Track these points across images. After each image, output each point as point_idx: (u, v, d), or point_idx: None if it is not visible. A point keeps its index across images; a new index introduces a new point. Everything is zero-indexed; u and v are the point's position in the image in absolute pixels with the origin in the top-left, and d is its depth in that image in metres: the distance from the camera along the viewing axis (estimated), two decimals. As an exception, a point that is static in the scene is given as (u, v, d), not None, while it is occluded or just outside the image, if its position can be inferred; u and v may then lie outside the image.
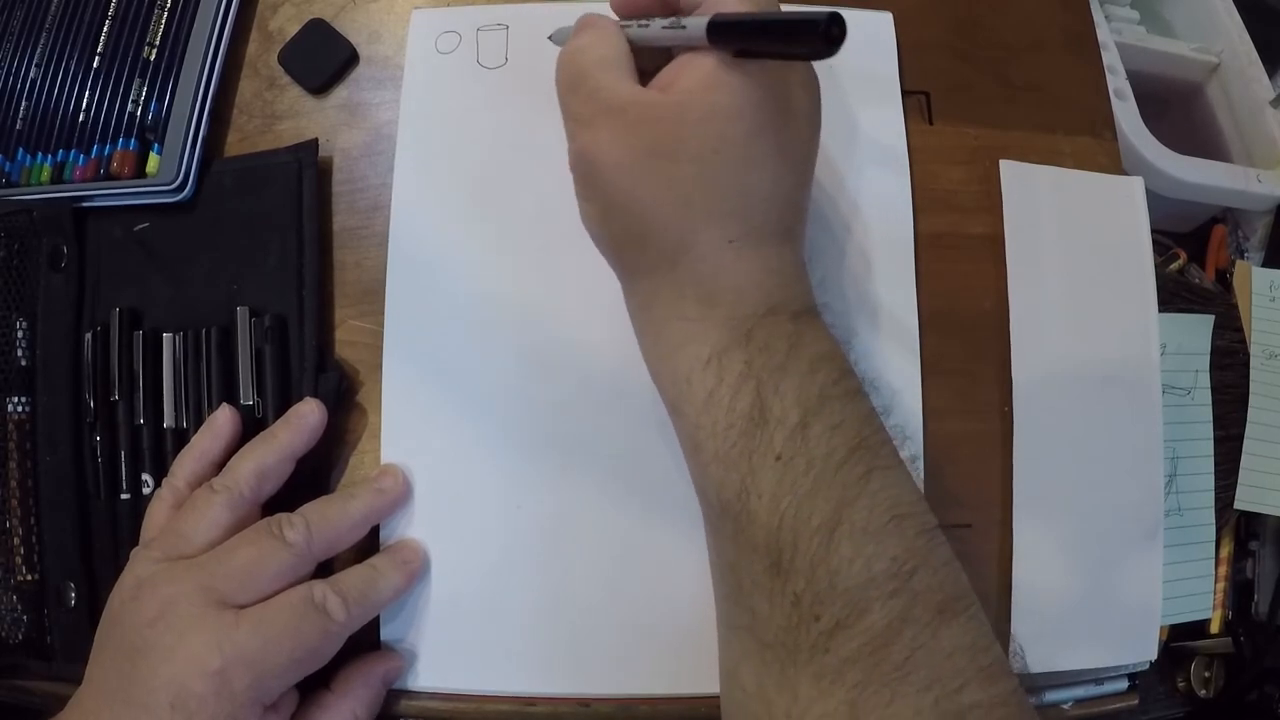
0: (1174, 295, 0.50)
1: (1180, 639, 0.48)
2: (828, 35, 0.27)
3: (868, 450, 0.30)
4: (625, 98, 0.32)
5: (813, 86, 0.34)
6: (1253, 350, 0.50)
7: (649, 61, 0.34)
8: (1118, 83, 0.51)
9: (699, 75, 0.31)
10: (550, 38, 0.41)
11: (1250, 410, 0.49)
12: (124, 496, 0.40)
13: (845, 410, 0.31)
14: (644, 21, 0.34)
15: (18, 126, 0.44)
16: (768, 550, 0.30)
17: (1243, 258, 0.56)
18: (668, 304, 0.33)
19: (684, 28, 0.32)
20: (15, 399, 0.41)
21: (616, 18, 0.35)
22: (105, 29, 0.44)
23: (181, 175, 0.41)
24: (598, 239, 0.35)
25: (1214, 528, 0.47)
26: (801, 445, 0.30)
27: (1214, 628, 0.48)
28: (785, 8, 0.32)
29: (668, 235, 0.32)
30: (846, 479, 0.29)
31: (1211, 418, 0.48)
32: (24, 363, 0.42)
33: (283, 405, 0.39)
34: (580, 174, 0.34)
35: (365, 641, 0.38)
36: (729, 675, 0.32)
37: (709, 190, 0.31)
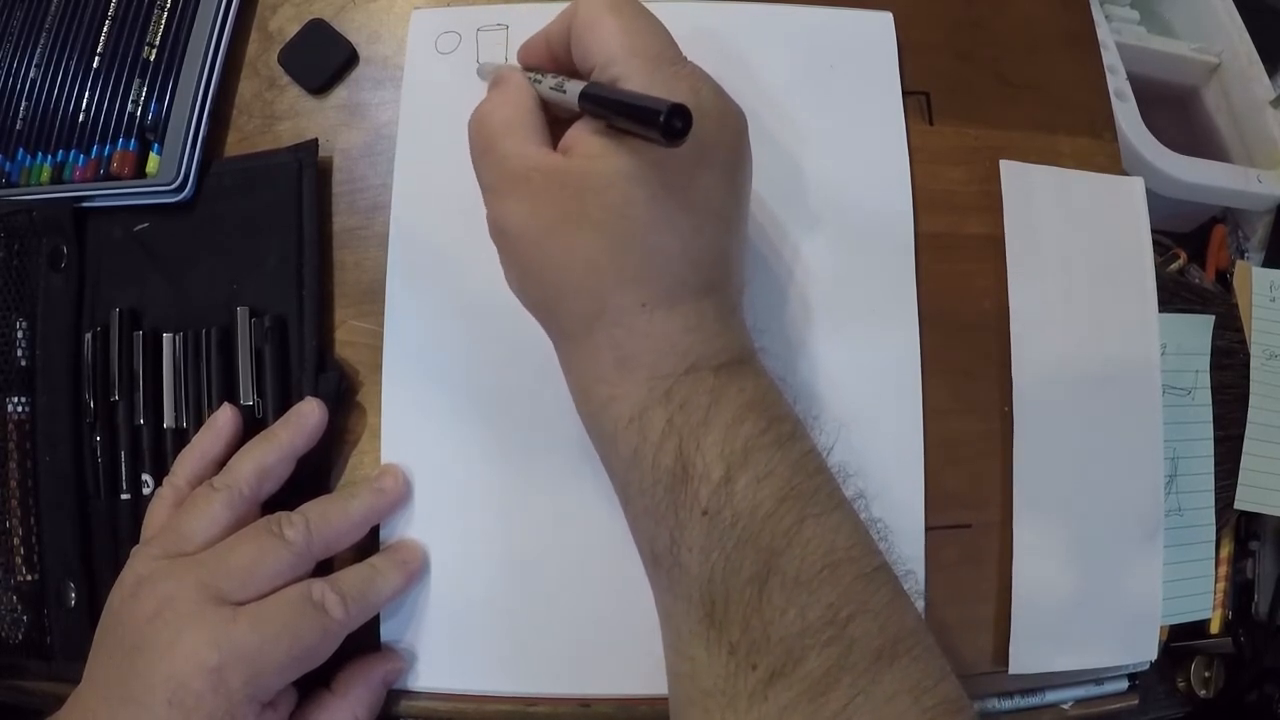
0: (1174, 295, 0.50)
1: (1180, 639, 0.48)
2: (668, 127, 0.26)
3: (799, 498, 0.30)
4: (529, 165, 0.31)
5: (731, 130, 0.33)
6: (1253, 350, 0.50)
7: (565, 112, 0.33)
8: (1118, 83, 0.51)
9: (597, 140, 0.31)
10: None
11: (1250, 410, 0.49)
12: (124, 496, 0.40)
13: (774, 459, 0.30)
14: (537, 77, 0.34)
15: (18, 126, 0.44)
16: (701, 602, 0.30)
17: (1243, 258, 0.56)
18: (588, 367, 0.32)
19: (564, 92, 0.32)
20: (15, 399, 0.41)
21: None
22: (105, 29, 0.44)
23: (181, 175, 0.41)
24: (522, 302, 0.34)
25: (1214, 528, 0.47)
26: (727, 499, 0.30)
27: (1214, 628, 0.48)
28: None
29: (579, 302, 0.32)
30: (775, 529, 0.29)
31: (1211, 418, 0.48)
32: (24, 363, 0.42)
33: (283, 405, 0.39)
34: (495, 240, 0.34)
35: (365, 642, 0.38)
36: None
37: (615, 256, 0.31)
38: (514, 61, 0.38)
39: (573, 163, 0.31)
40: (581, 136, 0.31)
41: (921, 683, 0.29)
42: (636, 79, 0.30)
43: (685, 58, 0.33)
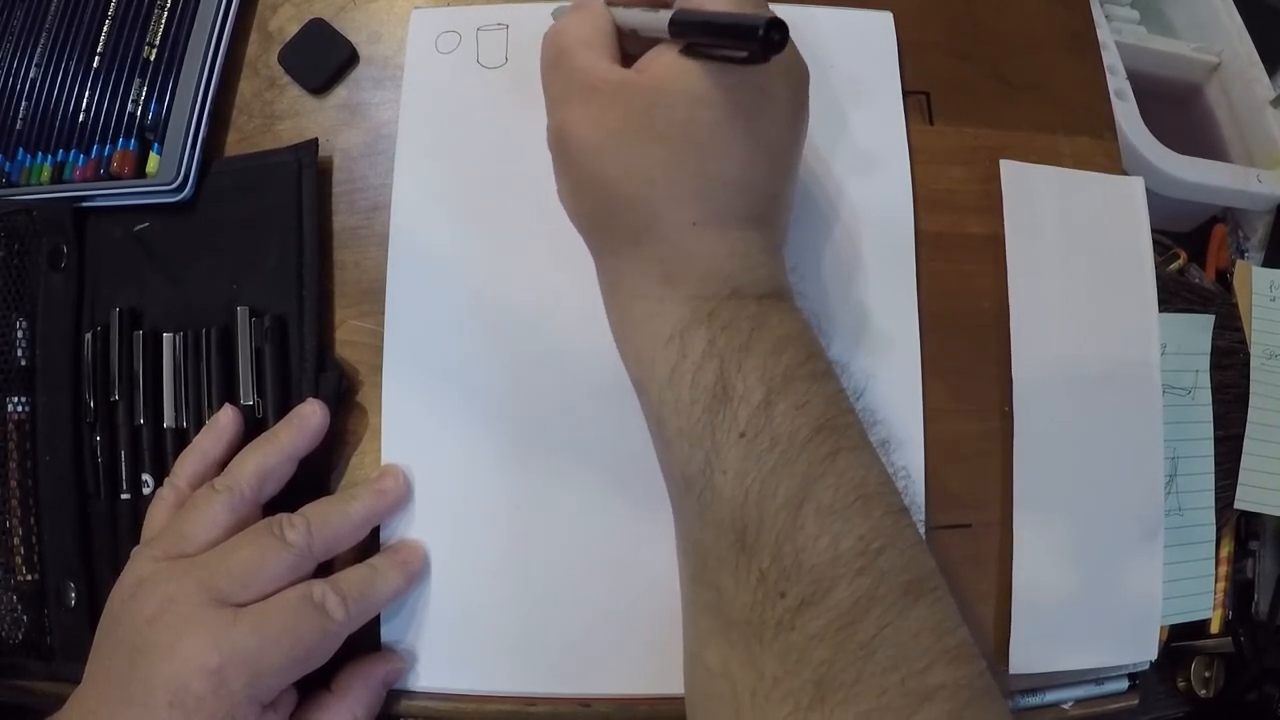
0: (1174, 295, 0.50)
1: (1180, 639, 0.48)
2: (767, 40, 0.27)
3: (833, 430, 0.30)
4: (599, 77, 0.33)
5: (796, 75, 0.34)
6: (1253, 350, 0.50)
7: (637, 47, 0.34)
8: (1118, 83, 0.51)
9: (672, 61, 0.32)
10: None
11: (1250, 410, 0.49)
12: (124, 496, 0.40)
13: (811, 390, 0.31)
14: (630, 7, 0.35)
15: (18, 126, 0.44)
16: (733, 526, 0.30)
17: (1243, 257, 0.56)
18: (632, 282, 0.33)
19: (655, 13, 0.33)
20: (15, 399, 0.41)
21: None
22: (105, 29, 0.44)
23: (181, 175, 0.41)
24: (571, 215, 0.36)
25: (1214, 528, 0.47)
26: (766, 422, 0.30)
27: (1214, 628, 0.48)
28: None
29: (632, 214, 0.33)
30: (812, 457, 0.30)
31: (1211, 418, 0.48)
32: (24, 363, 0.42)
33: (283, 405, 0.39)
34: (554, 150, 0.35)
35: (366, 642, 0.38)
36: (693, 657, 0.32)
37: (673, 172, 0.32)
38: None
39: (644, 79, 0.32)
40: (657, 58, 0.33)
41: (944, 622, 0.29)
42: (726, 7, 0.31)
43: None
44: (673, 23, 0.31)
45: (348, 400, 0.41)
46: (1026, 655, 0.40)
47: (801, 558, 0.29)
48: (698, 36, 0.31)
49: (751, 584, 0.29)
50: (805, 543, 0.29)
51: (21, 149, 0.44)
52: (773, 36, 0.27)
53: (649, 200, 0.32)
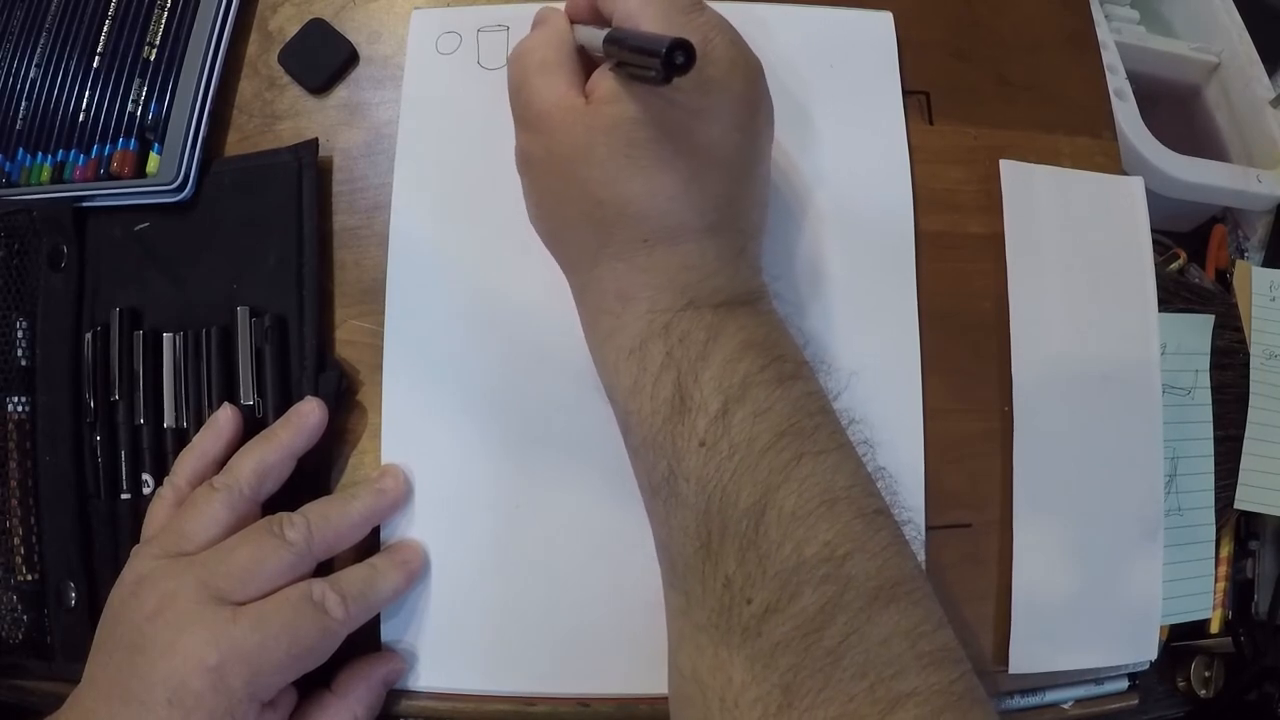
0: (1174, 295, 0.50)
1: (1180, 639, 0.48)
2: (668, 60, 0.27)
3: (796, 435, 0.30)
4: (551, 103, 0.33)
5: (744, 74, 0.34)
6: (1253, 350, 0.50)
7: (595, 62, 0.35)
8: (1118, 83, 0.51)
9: (612, 85, 0.33)
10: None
11: (1250, 410, 0.49)
12: (124, 496, 0.40)
13: (773, 396, 0.31)
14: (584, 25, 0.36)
15: (18, 126, 0.44)
16: (697, 533, 0.30)
17: (1243, 257, 0.56)
18: (595, 298, 0.34)
19: (595, 38, 0.33)
20: (15, 399, 0.41)
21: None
22: (105, 29, 0.44)
23: (181, 175, 0.41)
24: (538, 233, 0.37)
25: (1214, 528, 0.47)
26: (724, 431, 0.30)
27: (1214, 627, 0.48)
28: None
29: (586, 235, 0.34)
30: (773, 463, 0.30)
31: (1211, 418, 0.48)
32: (24, 363, 0.42)
33: (283, 405, 0.39)
34: (520, 172, 0.37)
35: (366, 642, 0.38)
36: (670, 659, 0.33)
37: (619, 193, 0.32)
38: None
39: (589, 105, 0.33)
40: (600, 81, 0.33)
41: (918, 628, 0.29)
42: (653, 24, 0.32)
43: (706, 6, 0.34)
44: (605, 41, 0.32)
45: (348, 400, 0.41)
46: (1026, 655, 0.40)
47: (765, 564, 0.29)
48: (620, 56, 0.31)
49: (718, 590, 0.30)
50: (769, 549, 0.29)
51: (21, 149, 0.44)
52: (674, 59, 0.27)
53: (600, 221, 0.33)
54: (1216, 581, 0.48)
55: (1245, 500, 0.48)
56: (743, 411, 0.30)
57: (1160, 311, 0.43)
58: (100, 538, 0.40)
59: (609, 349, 0.34)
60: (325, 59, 0.44)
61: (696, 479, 0.30)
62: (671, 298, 0.33)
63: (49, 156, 0.43)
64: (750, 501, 0.29)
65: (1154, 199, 0.45)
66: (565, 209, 0.34)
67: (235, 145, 0.44)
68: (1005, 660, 0.40)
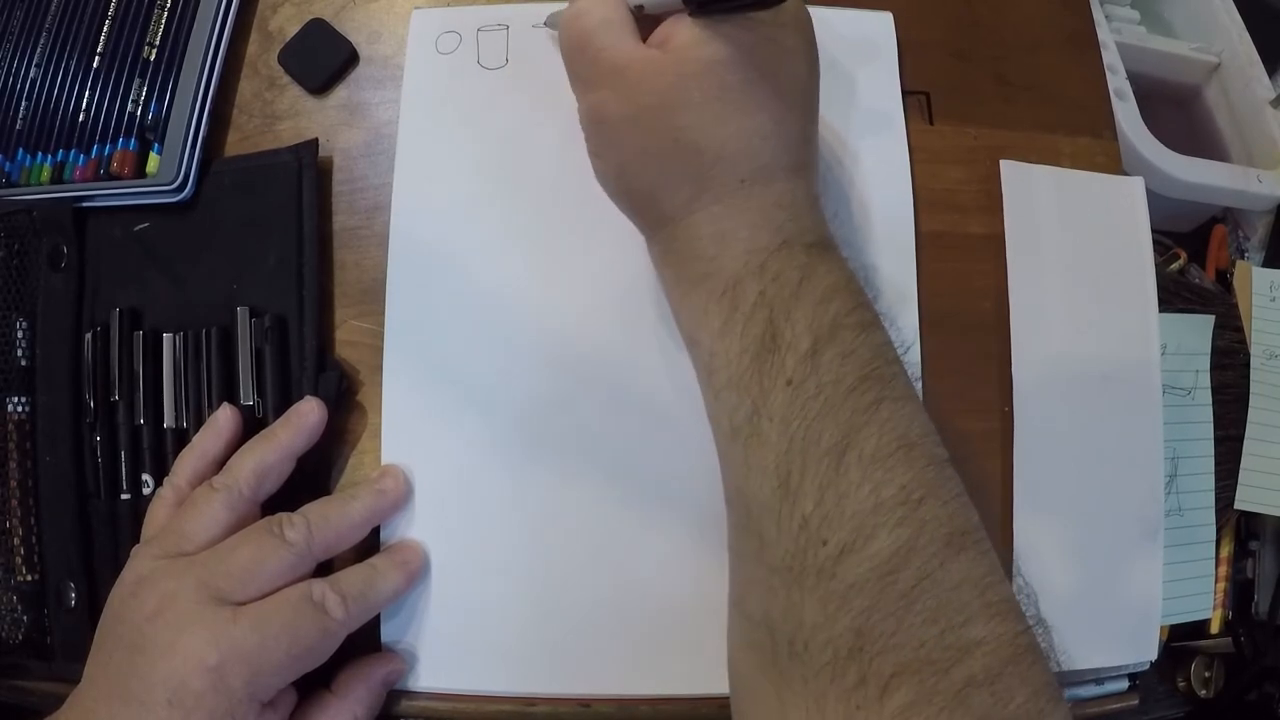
0: (1174, 295, 0.50)
1: (1180, 639, 0.48)
2: None
3: (878, 380, 0.31)
4: (627, 57, 0.33)
5: (803, 24, 0.35)
6: (1253, 350, 0.50)
7: (643, 27, 0.35)
8: (1118, 83, 0.51)
9: (691, 31, 0.33)
10: (545, 23, 0.42)
11: (1250, 410, 0.49)
12: (124, 496, 0.40)
13: (857, 340, 0.31)
14: None
15: (18, 126, 0.44)
16: (776, 472, 0.30)
17: (1243, 258, 0.56)
18: (686, 247, 0.34)
19: None
20: (15, 399, 0.41)
21: None
22: (105, 29, 0.44)
23: (181, 175, 0.41)
24: (614, 196, 0.36)
25: (1214, 528, 0.47)
26: (812, 370, 0.30)
27: (1214, 628, 0.48)
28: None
29: (682, 182, 0.33)
30: (856, 405, 0.30)
31: (1211, 418, 0.48)
32: (24, 363, 0.42)
33: (283, 405, 0.39)
34: (590, 133, 0.35)
35: (366, 643, 0.38)
36: (735, 605, 0.33)
37: (716, 136, 0.33)
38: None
39: (669, 53, 0.33)
40: (676, 31, 0.33)
41: (986, 578, 0.29)
42: None
43: None
44: None
45: (347, 400, 0.41)
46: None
47: (843, 504, 0.29)
48: (714, 5, 0.32)
49: (794, 530, 0.29)
50: (847, 489, 0.29)
51: (21, 149, 0.44)
52: None
53: (697, 167, 0.33)
54: (1217, 582, 0.48)
55: (1245, 500, 0.48)
56: (831, 352, 0.31)
57: (1160, 312, 0.43)
58: (100, 538, 0.40)
59: (699, 294, 0.33)
60: (325, 59, 0.44)
61: (781, 417, 0.30)
62: (769, 236, 0.33)
63: (49, 156, 0.43)
64: (832, 441, 0.29)
65: (1154, 199, 0.45)
66: (655, 161, 0.34)
67: (235, 145, 0.44)
68: (1005, 660, 0.39)
